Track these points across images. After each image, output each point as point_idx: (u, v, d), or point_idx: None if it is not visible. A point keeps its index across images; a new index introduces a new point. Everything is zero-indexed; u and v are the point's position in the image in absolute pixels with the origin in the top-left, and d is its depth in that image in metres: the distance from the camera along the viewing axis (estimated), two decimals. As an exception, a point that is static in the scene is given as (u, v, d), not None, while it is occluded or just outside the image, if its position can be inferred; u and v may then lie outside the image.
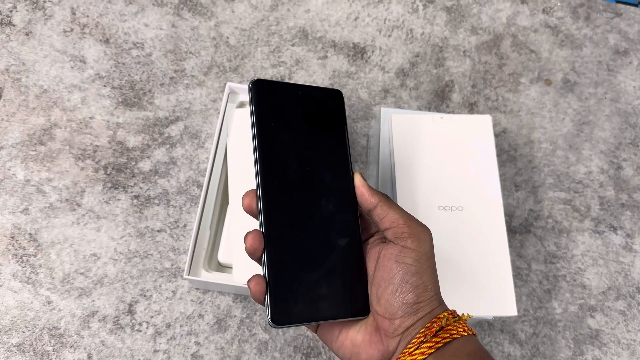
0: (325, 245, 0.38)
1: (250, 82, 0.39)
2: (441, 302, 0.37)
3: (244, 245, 0.36)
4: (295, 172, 0.38)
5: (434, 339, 0.34)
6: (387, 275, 0.36)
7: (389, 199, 0.38)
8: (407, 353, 0.34)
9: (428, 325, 0.35)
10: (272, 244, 0.36)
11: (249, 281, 0.36)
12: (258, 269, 0.38)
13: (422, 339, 0.34)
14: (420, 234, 0.37)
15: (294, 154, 0.39)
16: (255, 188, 0.38)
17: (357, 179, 0.40)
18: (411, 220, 0.37)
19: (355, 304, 0.38)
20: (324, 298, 0.37)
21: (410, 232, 0.37)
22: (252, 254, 0.36)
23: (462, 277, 0.55)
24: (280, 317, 0.35)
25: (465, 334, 0.35)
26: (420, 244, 0.36)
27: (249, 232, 0.36)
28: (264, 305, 0.36)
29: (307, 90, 0.41)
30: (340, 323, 0.38)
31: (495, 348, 0.63)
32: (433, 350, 0.34)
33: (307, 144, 0.39)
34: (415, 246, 0.36)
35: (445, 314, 0.36)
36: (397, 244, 0.37)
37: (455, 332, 0.35)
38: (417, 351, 0.34)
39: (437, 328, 0.35)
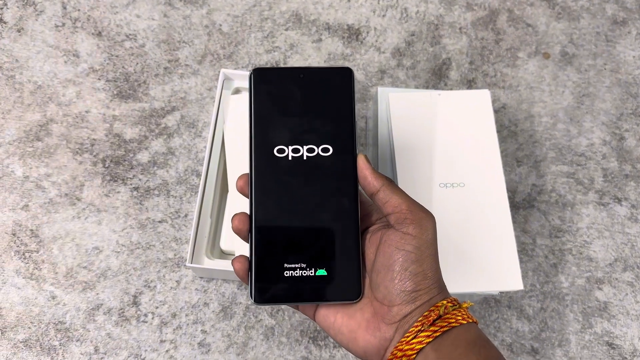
0: (316, 228, 0.38)
1: (250, 71, 0.39)
2: (441, 290, 0.36)
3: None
4: (292, 157, 0.38)
5: (432, 328, 0.34)
6: (386, 262, 0.36)
7: (392, 183, 0.38)
8: (404, 342, 0.34)
9: (426, 313, 0.34)
10: (259, 225, 0.37)
11: (233, 260, 0.37)
12: None
13: (419, 327, 0.34)
14: (423, 220, 0.36)
15: (293, 139, 0.38)
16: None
17: (361, 161, 0.38)
18: (414, 206, 0.36)
19: (343, 288, 0.37)
20: (310, 280, 0.37)
21: (413, 218, 0.36)
22: (237, 233, 0.38)
23: (466, 254, 0.55)
24: (261, 295, 0.37)
25: (465, 322, 0.35)
26: (422, 231, 0.36)
27: (235, 214, 0.38)
28: (247, 284, 0.37)
29: (310, 72, 0.40)
30: (335, 309, 0.38)
31: (503, 324, 0.63)
32: (431, 340, 0.33)
33: (308, 127, 0.39)
34: (417, 233, 0.35)
35: (444, 302, 0.35)
36: (399, 230, 0.36)
37: (453, 320, 0.34)
38: (414, 340, 0.34)
39: (435, 317, 0.34)
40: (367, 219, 0.40)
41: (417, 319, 0.34)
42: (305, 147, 0.38)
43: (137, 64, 0.71)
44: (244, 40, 0.74)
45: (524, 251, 0.66)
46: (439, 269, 0.36)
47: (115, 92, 0.69)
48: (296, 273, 0.37)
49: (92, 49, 0.71)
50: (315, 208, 0.38)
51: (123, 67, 0.71)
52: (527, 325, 0.63)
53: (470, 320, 0.35)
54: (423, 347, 0.33)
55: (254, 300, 0.36)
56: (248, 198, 0.38)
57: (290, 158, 0.38)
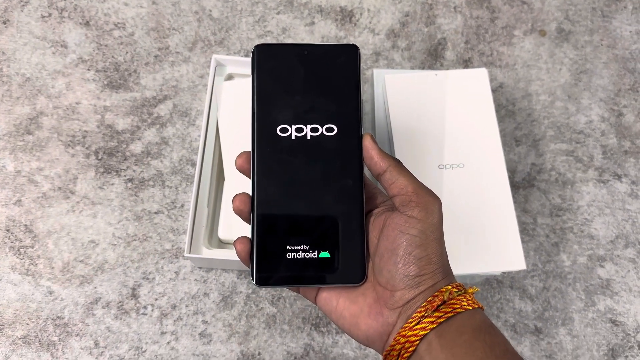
0: (319, 209, 0.37)
1: (253, 48, 0.38)
2: (446, 275, 0.35)
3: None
4: (295, 137, 0.37)
5: (436, 314, 0.33)
6: (390, 245, 0.35)
7: (399, 164, 0.37)
8: (407, 328, 0.33)
9: (429, 299, 0.33)
10: (261, 206, 0.37)
11: (235, 241, 0.36)
12: None
13: (423, 313, 0.33)
14: (429, 203, 0.35)
15: (296, 118, 0.37)
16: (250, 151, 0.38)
17: (367, 141, 0.37)
18: (421, 189, 0.36)
19: (346, 270, 0.37)
20: (313, 262, 0.37)
21: (418, 201, 0.35)
22: (238, 214, 0.37)
23: (467, 235, 0.54)
24: (263, 277, 0.36)
25: (470, 307, 0.34)
26: (428, 215, 0.35)
27: (237, 194, 0.37)
28: (249, 266, 0.37)
29: (315, 49, 0.39)
30: (337, 292, 0.37)
31: (505, 305, 0.63)
32: (435, 326, 0.33)
33: (313, 106, 0.38)
34: (422, 216, 0.34)
35: (449, 287, 0.34)
36: (404, 213, 0.35)
37: (458, 306, 0.33)
38: (418, 326, 0.33)
39: (439, 302, 0.33)
40: (371, 201, 0.39)
41: (420, 304, 0.34)
42: (309, 127, 0.37)
43: (127, 53, 0.70)
44: (235, 25, 0.72)
45: (525, 231, 0.66)
46: (445, 253, 0.36)
47: (105, 83, 0.68)
48: (299, 255, 0.37)
49: (80, 39, 0.70)
50: (318, 189, 0.37)
51: (113, 56, 0.69)
52: (530, 305, 0.63)
53: (476, 306, 0.34)
54: (427, 334, 0.33)
55: (256, 282, 0.36)
56: (248, 177, 0.38)
57: (293, 138, 0.37)
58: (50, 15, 0.70)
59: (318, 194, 0.37)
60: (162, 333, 0.59)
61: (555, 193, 0.68)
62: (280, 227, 0.37)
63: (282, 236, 0.37)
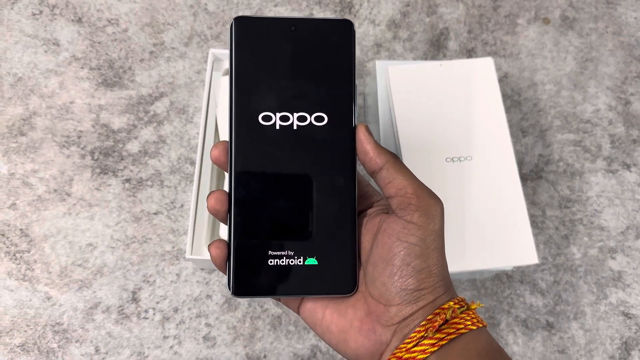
0: (306, 209, 0.33)
1: (232, 21, 0.33)
2: (448, 289, 0.32)
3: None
4: (280, 126, 0.33)
5: (437, 335, 0.29)
6: (385, 254, 0.31)
7: (398, 161, 0.33)
8: (404, 349, 0.30)
9: (430, 317, 0.30)
10: (239, 206, 0.32)
11: (209, 245, 0.32)
12: None
13: (422, 333, 0.30)
14: (430, 207, 0.31)
15: (279, 104, 0.33)
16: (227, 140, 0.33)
17: (361, 133, 0.33)
18: (422, 190, 0.32)
19: (335, 279, 0.33)
20: (298, 270, 0.33)
21: (419, 204, 0.31)
22: (214, 215, 0.33)
23: (477, 230, 0.53)
24: (241, 287, 0.32)
25: (475, 327, 0.30)
26: (429, 220, 0.31)
27: (212, 192, 0.32)
28: (225, 273, 0.33)
29: (303, 24, 0.34)
30: (324, 303, 0.33)
31: (516, 300, 0.61)
32: (436, 349, 0.29)
33: (300, 91, 0.33)
34: (422, 222, 0.31)
35: (451, 303, 0.31)
36: (402, 217, 0.31)
37: (462, 326, 0.30)
38: (416, 348, 0.29)
39: (441, 321, 0.30)
40: (363, 200, 0.35)
41: (419, 323, 0.30)
42: (296, 115, 0.33)
43: (121, 49, 0.68)
44: (231, 19, 0.70)
45: (534, 224, 0.64)
46: (446, 264, 0.32)
47: (99, 81, 0.66)
48: (282, 262, 0.33)
49: (72, 37, 0.68)
50: (305, 187, 0.33)
51: (106, 53, 0.67)
52: (541, 300, 0.61)
53: (480, 325, 0.31)
54: (426, 357, 0.29)
55: (233, 293, 0.32)
56: (225, 171, 0.33)
57: (277, 127, 0.33)
58: (41, 12, 0.68)
59: (304, 193, 0.33)
60: (165, 337, 0.57)
61: (563, 184, 0.67)
62: (261, 229, 0.33)
63: (264, 240, 0.33)
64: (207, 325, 0.58)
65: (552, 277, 0.62)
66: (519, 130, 0.68)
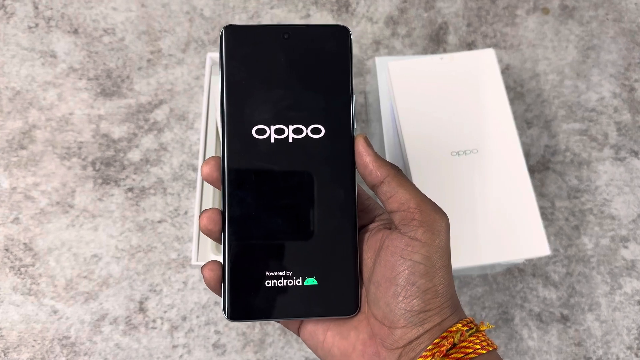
0: (304, 228, 0.32)
1: (222, 30, 0.32)
2: (455, 310, 0.30)
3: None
4: (275, 139, 0.32)
5: None
6: (389, 273, 0.30)
7: (400, 174, 0.31)
8: None
9: (437, 341, 0.28)
10: (233, 225, 0.31)
11: (202, 267, 0.31)
12: None
13: (429, 359, 0.28)
14: (435, 222, 0.30)
15: (274, 116, 0.32)
16: (219, 156, 0.32)
17: (360, 145, 0.31)
18: (425, 204, 0.30)
19: (336, 300, 0.31)
20: (297, 291, 0.31)
21: (422, 220, 0.29)
22: (207, 235, 0.31)
23: (487, 224, 0.52)
24: (237, 311, 0.31)
25: (484, 351, 0.29)
26: (434, 236, 0.29)
27: (204, 211, 0.31)
28: (220, 296, 0.31)
29: (297, 31, 0.32)
30: (325, 325, 0.32)
31: (529, 294, 0.60)
32: None
33: (295, 102, 0.32)
34: (427, 239, 0.29)
35: (459, 325, 0.29)
36: (405, 234, 0.30)
37: (471, 350, 0.28)
38: None
39: (449, 346, 0.28)
40: (364, 215, 0.34)
41: (425, 347, 0.29)
42: (292, 127, 0.32)
43: (119, 58, 0.67)
44: (227, 23, 0.70)
45: (543, 215, 0.63)
46: (452, 282, 0.30)
47: (98, 91, 0.65)
48: (280, 283, 0.31)
49: (69, 48, 0.67)
50: (302, 203, 0.32)
51: (104, 63, 0.67)
52: (554, 293, 0.60)
53: (490, 349, 0.29)
54: None
55: (228, 317, 0.30)
56: (218, 188, 0.32)
57: (272, 140, 0.31)
58: (37, 25, 0.68)
59: (302, 209, 0.32)
60: (174, 346, 0.56)
61: (571, 174, 0.66)
62: (257, 249, 0.31)
63: (260, 260, 0.31)
64: (217, 332, 0.57)
65: (565, 269, 0.61)
66: (523, 122, 0.68)
